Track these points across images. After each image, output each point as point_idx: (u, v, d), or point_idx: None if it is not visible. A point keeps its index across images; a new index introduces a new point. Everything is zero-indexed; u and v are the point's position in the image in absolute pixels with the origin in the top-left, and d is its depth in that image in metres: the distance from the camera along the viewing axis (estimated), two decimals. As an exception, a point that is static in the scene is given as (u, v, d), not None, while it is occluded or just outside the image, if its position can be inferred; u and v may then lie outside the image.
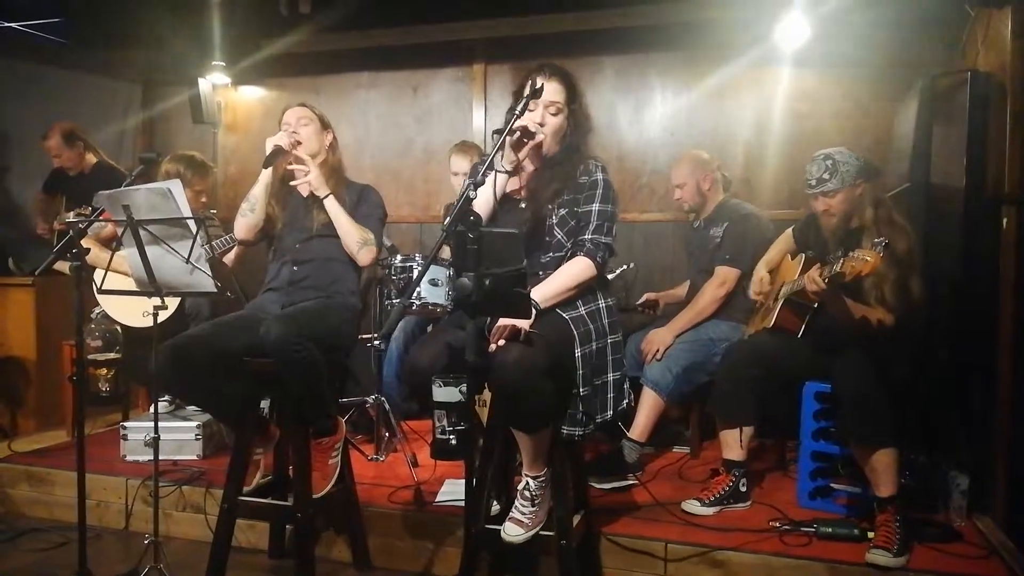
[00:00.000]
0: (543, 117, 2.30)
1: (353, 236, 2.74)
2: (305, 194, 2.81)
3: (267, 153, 2.73)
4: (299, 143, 2.76)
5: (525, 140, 2.26)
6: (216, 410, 2.73)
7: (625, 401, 2.40)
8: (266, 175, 2.75)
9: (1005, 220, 2.68)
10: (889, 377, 2.56)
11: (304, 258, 2.79)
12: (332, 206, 2.73)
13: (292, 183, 2.78)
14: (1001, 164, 2.70)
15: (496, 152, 2.20)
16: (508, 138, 2.23)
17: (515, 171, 2.35)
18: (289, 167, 2.76)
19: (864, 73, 3.88)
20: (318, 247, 2.79)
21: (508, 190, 2.43)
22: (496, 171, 2.29)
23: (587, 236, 2.31)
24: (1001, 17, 2.85)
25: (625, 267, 3.71)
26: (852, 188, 2.74)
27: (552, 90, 2.30)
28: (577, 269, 2.29)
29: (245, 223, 2.82)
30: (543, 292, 2.23)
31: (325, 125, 2.90)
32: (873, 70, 3.85)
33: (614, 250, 2.37)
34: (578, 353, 2.23)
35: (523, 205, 2.37)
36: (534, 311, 2.18)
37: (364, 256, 2.76)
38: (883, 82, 3.82)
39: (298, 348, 2.42)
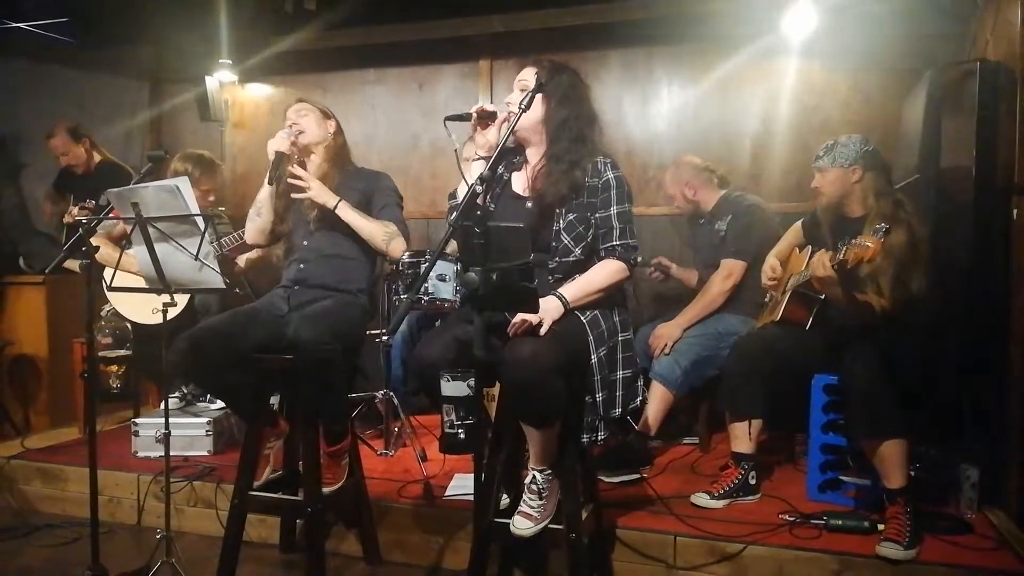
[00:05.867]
0: (514, 99, 2.34)
1: (377, 235, 2.74)
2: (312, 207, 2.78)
3: (271, 160, 2.72)
4: (300, 135, 2.79)
5: (487, 121, 2.30)
6: (230, 400, 2.77)
7: (638, 399, 2.39)
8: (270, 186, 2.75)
9: (1016, 211, 2.66)
10: (898, 369, 2.55)
11: (309, 256, 2.79)
12: (345, 214, 2.71)
13: (293, 195, 2.77)
14: (1011, 154, 2.68)
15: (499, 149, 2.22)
16: (473, 123, 2.31)
17: (514, 158, 2.38)
18: (290, 180, 2.74)
19: (872, 64, 3.86)
20: (321, 242, 2.79)
21: (514, 187, 2.43)
22: (471, 160, 2.34)
23: (616, 241, 2.30)
24: (1010, 6, 2.83)
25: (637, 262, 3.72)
26: (845, 171, 2.75)
27: (523, 73, 2.37)
28: (610, 270, 2.29)
29: (254, 227, 2.85)
30: (573, 291, 2.23)
31: (326, 115, 2.92)
32: (881, 61, 3.83)
33: (639, 248, 2.37)
34: (595, 358, 2.23)
35: (529, 204, 2.37)
36: (562, 309, 2.19)
37: (395, 249, 2.77)
38: (891, 73, 3.80)
39: (330, 349, 2.45)
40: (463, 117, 2.30)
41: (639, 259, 2.21)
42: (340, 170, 2.86)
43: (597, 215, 2.31)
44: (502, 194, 2.43)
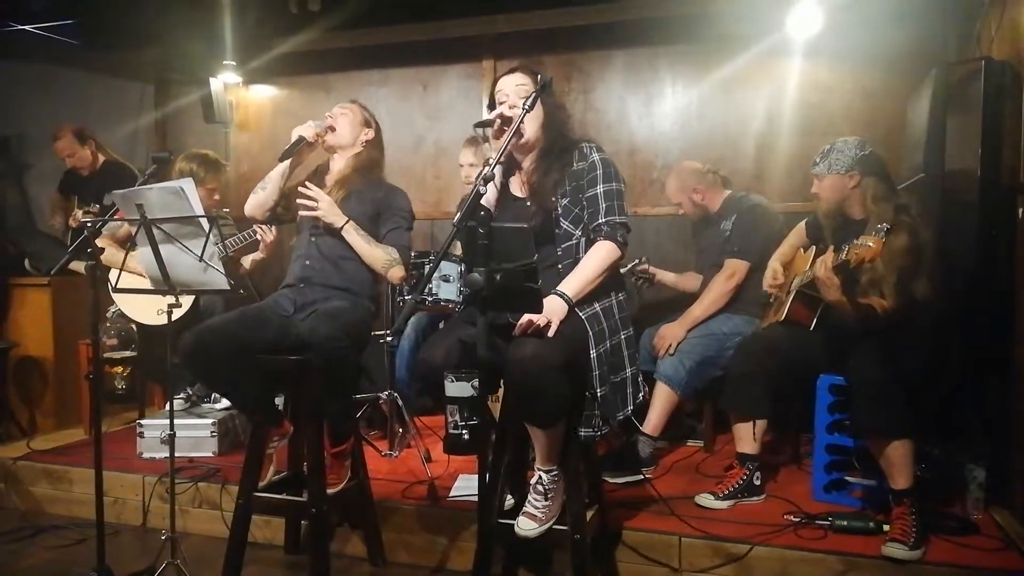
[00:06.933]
0: (515, 100, 2.34)
1: (378, 261, 2.73)
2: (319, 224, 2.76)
3: (291, 142, 2.75)
4: (329, 131, 2.81)
5: (504, 127, 2.31)
6: (234, 398, 2.78)
7: (641, 395, 2.40)
8: (283, 164, 2.77)
9: (1021, 210, 2.65)
10: (904, 369, 2.54)
11: (315, 255, 2.79)
12: (352, 237, 2.71)
13: (301, 213, 2.75)
14: (1017, 153, 2.67)
15: (500, 149, 2.24)
16: (490, 129, 2.33)
17: (509, 163, 2.40)
18: (299, 200, 2.72)
19: (876, 63, 3.85)
20: (328, 242, 2.77)
21: (512, 190, 2.44)
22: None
23: (601, 220, 2.30)
24: (1016, 5, 2.82)
25: (637, 261, 3.71)
26: (841, 177, 2.73)
27: (516, 78, 2.38)
28: (601, 254, 2.29)
29: (255, 200, 2.84)
30: (573, 285, 2.23)
31: (367, 123, 2.91)
32: (885, 60, 3.81)
33: (630, 227, 2.36)
34: (594, 353, 2.23)
35: (528, 203, 2.38)
36: (566, 306, 2.20)
37: (393, 276, 2.75)
38: (896, 72, 3.79)
39: (344, 347, 2.46)
40: (489, 123, 2.33)
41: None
42: (363, 179, 2.83)
43: (586, 195, 2.33)
44: (502, 198, 2.44)
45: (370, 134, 2.91)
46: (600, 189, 2.32)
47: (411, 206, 2.92)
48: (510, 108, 2.33)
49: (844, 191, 2.75)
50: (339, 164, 2.89)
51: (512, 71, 2.41)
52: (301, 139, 2.76)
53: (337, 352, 2.44)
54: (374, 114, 2.98)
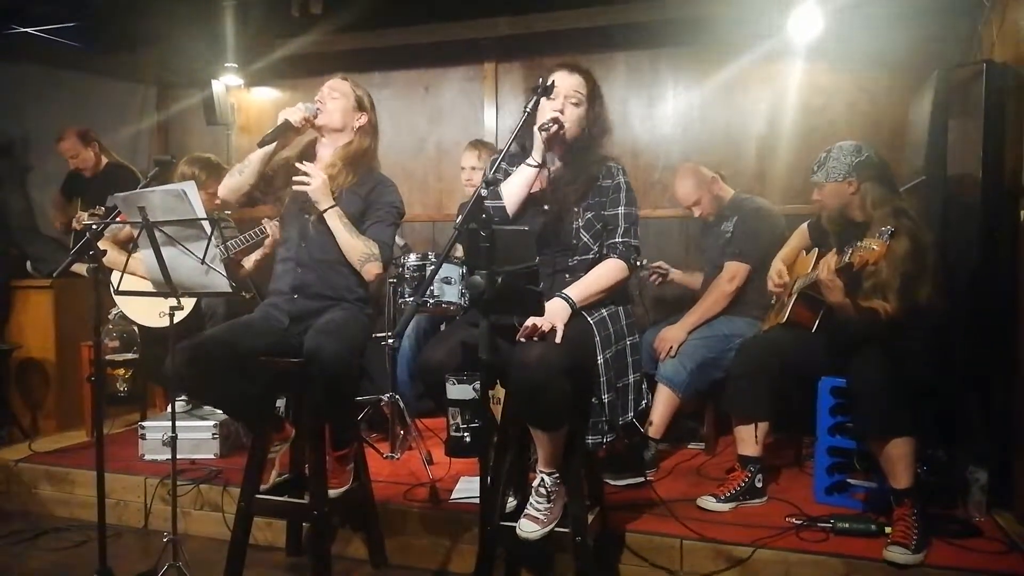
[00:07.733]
0: (564, 107, 2.33)
1: (355, 252, 2.60)
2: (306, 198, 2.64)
3: (276, 125, 2.63)
4: (318, 115, 2.68)
5: (559, 132, 2.28)
6: (232, 410, 2.73)
7: (644, 401, 2.42)
8: (264, 148, 2.64)
9: (1023, 212, 2.65)
10: (906, 371, 2.54)
11: (306, 259, 2.67)
12: (333, 221, 2.59)
13: (295, 188, 2.62)
14: (1019, 156, 2.67)
15: (513, 146, 2.23)
16: (542, 133, 2.26)
17: (542, 166, 2.36)
18: (295, 178, 2.60)
19: (878, 65, 3.85)
20: (320, 245, 2.65)
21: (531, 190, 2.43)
22: (529, 165, 2.32)
23: (618, 239, 2.35)
24: (1017, 7, 2.83)
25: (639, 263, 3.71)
26: (840, 185, 2.74)
27: (574, 82, 2.36)
28: (612, 270, 2.33)
29: (231, 182, 2.69)
30: (579, 291, 2.26)
31: (361, 106, 2.76)
32: (887, 63, 3.82)
33: (640, 251, 2.41)
34: (600, 359, 2.24)
35: (546, 207, 2.38)
36: (569, 309, 2.21)
37: (368, 271, 2.62)
38: (897, 75, 3.80)
39: (350, 365, 2.45)
40: (547, 127, 2.28)
41: (644, 261, 2.23)
42: (352, 175, 2.69)
43: (607, 212, 2.37)
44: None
45: (363, 119, 2.75)
46: (622, 210, 2.37)
47: (400, 200, 2.78)
48: (562, 113, 2.30)
49: (844, 197, 2.75)
50: (327, 153, 2.74)
51: (573, 71, 2.37)
52: (286, 123, 2.63)
53: (343, 370, 2.42)
54: (368, 92, 2.82)
